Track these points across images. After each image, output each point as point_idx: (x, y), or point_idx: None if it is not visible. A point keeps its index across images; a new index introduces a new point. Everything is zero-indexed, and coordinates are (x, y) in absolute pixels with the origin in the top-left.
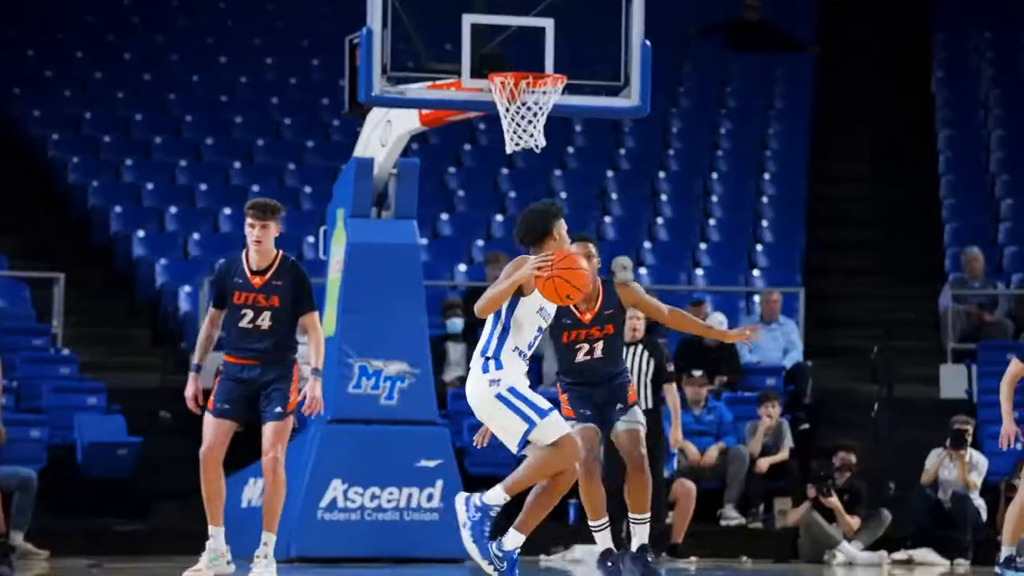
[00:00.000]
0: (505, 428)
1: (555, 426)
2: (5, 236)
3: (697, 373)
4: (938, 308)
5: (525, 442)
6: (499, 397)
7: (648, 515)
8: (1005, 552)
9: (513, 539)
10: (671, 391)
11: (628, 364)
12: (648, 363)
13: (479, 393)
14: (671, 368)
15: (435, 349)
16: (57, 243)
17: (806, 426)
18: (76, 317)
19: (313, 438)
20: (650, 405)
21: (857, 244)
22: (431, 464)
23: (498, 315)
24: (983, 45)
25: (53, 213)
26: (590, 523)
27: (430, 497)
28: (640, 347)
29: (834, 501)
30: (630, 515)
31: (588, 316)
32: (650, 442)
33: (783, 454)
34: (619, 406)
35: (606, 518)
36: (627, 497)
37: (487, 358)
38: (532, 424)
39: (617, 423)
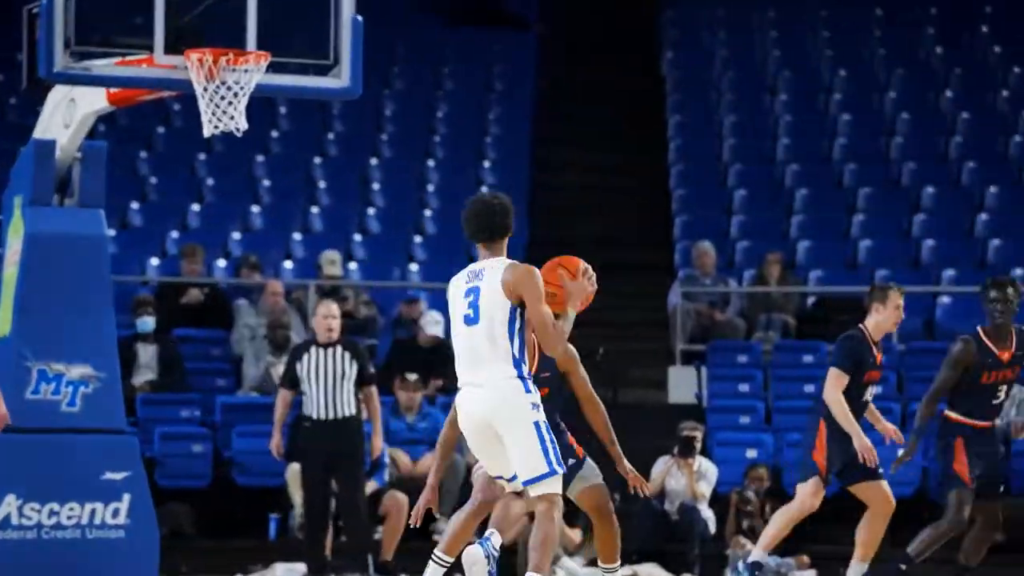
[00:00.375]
0: (523, 457)
1: (560, 484)
2: None
3: (411, 376)
4: (667, 306)
5: (522, 482)
6: (536, 425)
7: (619, 563)
8: (756, 556)
9: None
10: (372, 395)
11: (325, 367)
12: (350, 365)
13: (519, 407)
14: (372, 370)
15: (123, 351)
16: None
17: None
18: None
19: None
20: (353, 411)
21: (582, 237)
22: (118, 477)
23: (515, 331)
24: (715, 23)
25: None
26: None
27: (116, 512)
28: (339, 348)
29: None
30: (601, 565)
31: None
32: (353, 450)
33: None
34: (571, 461)
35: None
36: (598, 548)
37: (524, 378)
38: (553, 472)
39: (575, 480)
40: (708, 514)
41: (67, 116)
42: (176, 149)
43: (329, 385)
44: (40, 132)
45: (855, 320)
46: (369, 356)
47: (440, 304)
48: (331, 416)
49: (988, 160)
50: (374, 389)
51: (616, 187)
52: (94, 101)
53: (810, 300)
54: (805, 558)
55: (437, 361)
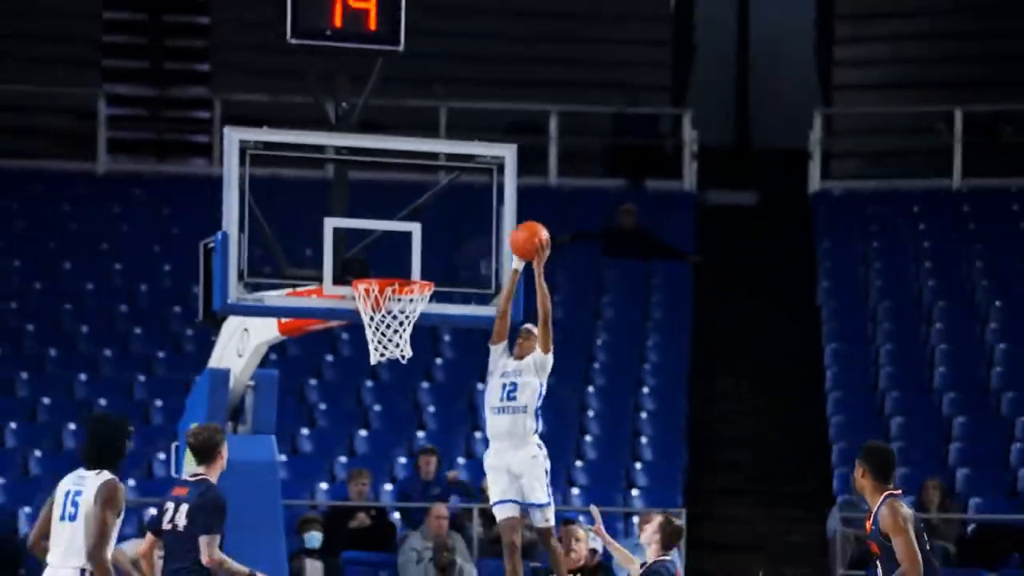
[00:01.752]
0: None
1: None
2: None
3: None
4: (827, 531)
5: None
6: None
7: None
8: None
9: None
10: None
11: None
12: None
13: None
14: None
15: (290, 567)
16: None
17: None
18: None
19: None
20: None
21: (741, 464)
22: None
23: None
24: (871, 253)
25: None
26: None
27: None
28: None
29: None
30: None
31: None
32: None
33: None
34: None
35: None
36: None
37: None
38: None
39: None
40: None
41: (240, 346)
42: (344, 377)
43: None
44: (215, 362)
45: (1017, 548)
46: None
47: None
48: None
49: None
50: None
51: (773, 414)
52: (266, 331)
53: (970, 527)
54: None
55: None
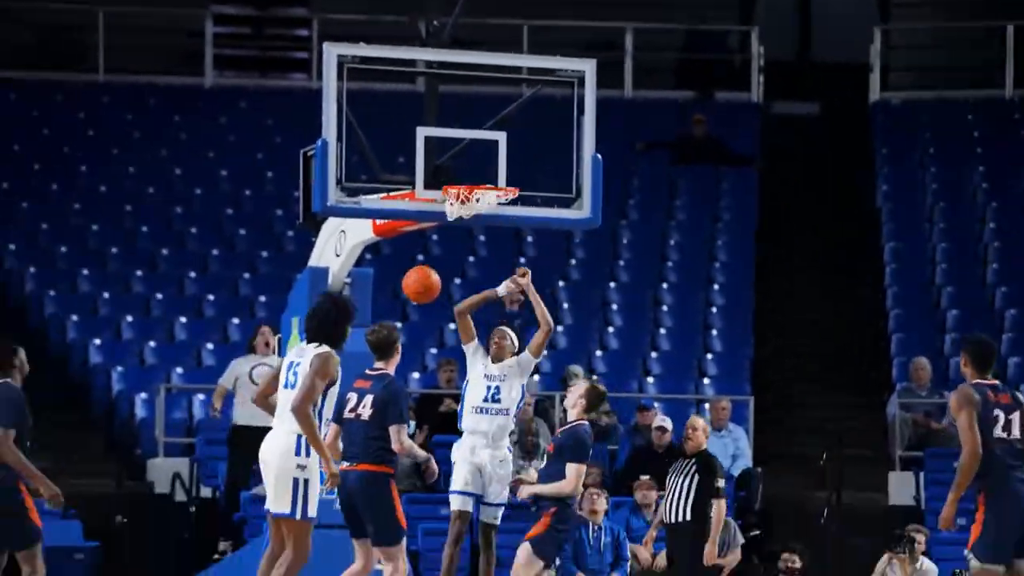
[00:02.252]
0: None
1: None
2: None
3: (645, 477)
4: (886, 417)
5: None
6: None
7: None
8: None
9: None
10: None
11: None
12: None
13: None
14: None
15: None
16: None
17: (757, 532)
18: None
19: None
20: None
21: (805, 355)
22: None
23: None
24: (927, 159)
25: (6, 325)
26: None
27: None
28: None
29: None
30: None
31: None
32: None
33: (735, 555)
34: None
35: None
36: None
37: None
38: None
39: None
40: None
41: (338, 246)
42: None
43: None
44: (314, 261)
45: None
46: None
47: (673, 413)
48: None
49: None
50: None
51: (837, 308)
52: (362, 232)
53: None
54: None
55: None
